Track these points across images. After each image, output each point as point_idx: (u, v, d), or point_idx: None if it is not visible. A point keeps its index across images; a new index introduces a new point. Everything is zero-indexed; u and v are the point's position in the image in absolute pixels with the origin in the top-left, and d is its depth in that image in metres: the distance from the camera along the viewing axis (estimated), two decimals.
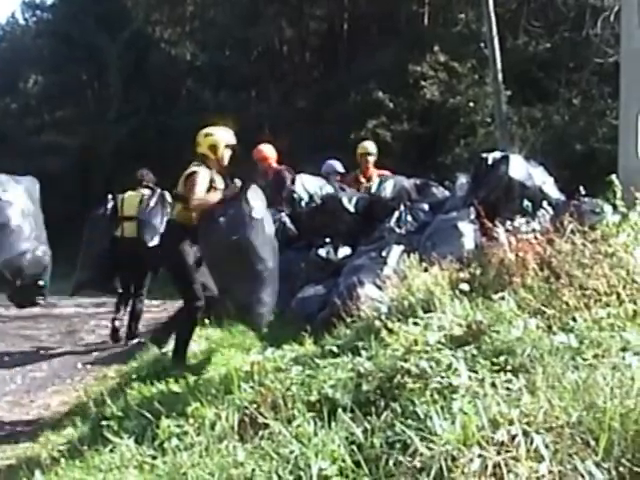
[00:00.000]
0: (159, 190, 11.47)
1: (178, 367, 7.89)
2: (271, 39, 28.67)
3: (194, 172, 8.03)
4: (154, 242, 10.78)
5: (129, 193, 11.55)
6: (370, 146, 12.61)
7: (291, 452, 3.85)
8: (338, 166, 12.61)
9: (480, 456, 3.22)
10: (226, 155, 8.36)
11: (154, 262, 11.14)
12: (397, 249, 8.40)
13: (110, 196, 11.62)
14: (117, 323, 11.50)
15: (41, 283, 8.60)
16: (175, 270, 8.34)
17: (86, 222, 11.59)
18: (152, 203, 11.22)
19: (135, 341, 11.28)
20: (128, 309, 11.55)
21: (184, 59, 30.12)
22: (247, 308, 7.46)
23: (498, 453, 3.23)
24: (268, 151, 12.13)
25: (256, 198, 7.60)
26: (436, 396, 3.94)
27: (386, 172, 12.08)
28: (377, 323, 5.62)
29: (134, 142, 28.13)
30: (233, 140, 8.45)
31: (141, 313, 11.62)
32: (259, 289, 7.38)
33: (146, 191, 11.46)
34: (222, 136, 8.43)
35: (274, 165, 12.00)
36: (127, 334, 11.50)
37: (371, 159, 12.25)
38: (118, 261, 11.13)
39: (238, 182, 7.95)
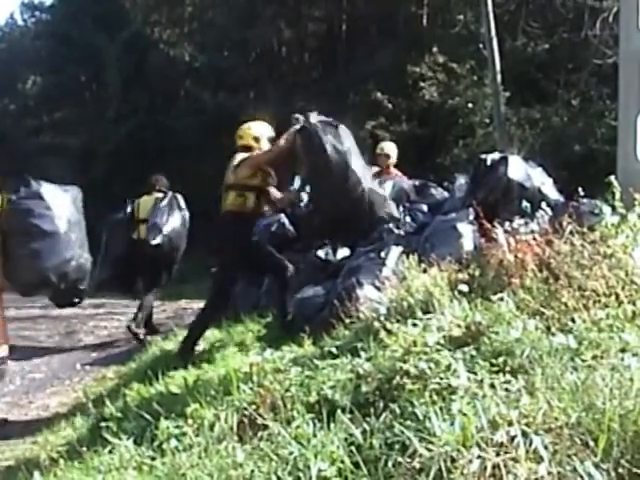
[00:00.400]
0: (171, 193, 12.00)
1: (182, 360, 8.00)
2: (269, 40, 28.66)
3: (246, 157, 8.43)
4: (156, 241, 11.05)
5: (144, 197, 12.09)
6: (386, 147, 12.61)
7: (290, 453, 3.85)
8: None
9: (479, 457, 3.22)
10: (267, 147, 8.66)
11: (165, 260, 11.43)
12: (396, 250, 8.38)
13: (129, 200, 12.23)
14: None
15: (81, 287, 9.33)
16: (220, 265, 8.70)
17: (105, 226, 11.86)
18: (162, 204, 11.64)
19: (142, 331, 11.36)
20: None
21: (183, 60, 30.13)
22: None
23: (497, 454, 3.23)
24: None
25: None
26: (435, 397, 3.93)
27: (400, 174, 12.14)
28: (376, 324, 5.61)
29: (133, 142, 28.18)
30: (272, 133, 8.85)
31: (149, 305, 11.79)
32: None
33: (160, 195, 11.77)
34: (263, 129, 8.84)
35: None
36: (131, 321, 11.68)
37: (386, 160, 12.27)
38: (137, 262, 11.49)
39: (297, 115, 8.53)
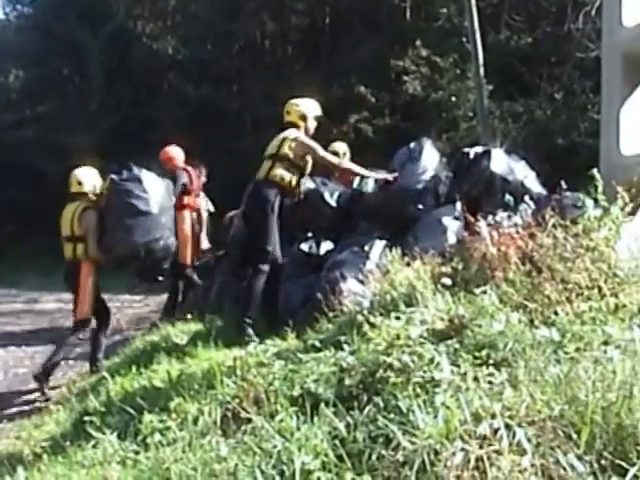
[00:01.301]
0: None
1: (247, 330, 8.08)
2: (252, 33, 28.55)
3: (298, 137, 8.56)
4: None
5: None
6: (337, 146, 12.64)
7: (274, 447, 3.86)
8: None
9: (463, 450, 3.23)
10: (312, 125, 8.86)
11: None
12: (379, 244, 8.40)
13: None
14: None
15: (164, 266, 10.22)
16: (257, 229, 8.51)
17: None
18: None
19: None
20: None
21: (166, 53, 29.98)
22: None
23: (480, 447, 3.24)
24: (174, 152, 12.26)
25: None
26: (418, 390, 3.94)
27: None
28: (359, 318, 5.61)
29: (116, 136, 28.06)
30: (320, 112, 8.98)
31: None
32: None
33: None
34: (311, 107, 8.93)
35: (179, 166, 12.10)
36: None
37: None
38: None
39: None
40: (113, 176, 9.79)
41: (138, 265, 9.96)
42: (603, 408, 3.35)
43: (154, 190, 9.74)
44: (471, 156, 9.24)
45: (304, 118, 8.75)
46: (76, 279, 9.64)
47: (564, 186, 7.66)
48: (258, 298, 8.34)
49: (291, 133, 8.58)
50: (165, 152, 12.20)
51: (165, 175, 11.62)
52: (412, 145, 9.56)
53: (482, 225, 7.11)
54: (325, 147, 12.19)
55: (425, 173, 9.09)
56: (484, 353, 4.30)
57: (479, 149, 9.53)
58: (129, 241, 9.45)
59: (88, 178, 10.12)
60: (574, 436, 3.28)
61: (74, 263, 9.73)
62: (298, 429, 4.02)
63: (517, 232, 6.41)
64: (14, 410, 8.49)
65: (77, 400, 7.21)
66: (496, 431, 3.29)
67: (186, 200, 11.57)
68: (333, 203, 10.02)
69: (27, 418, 7.91)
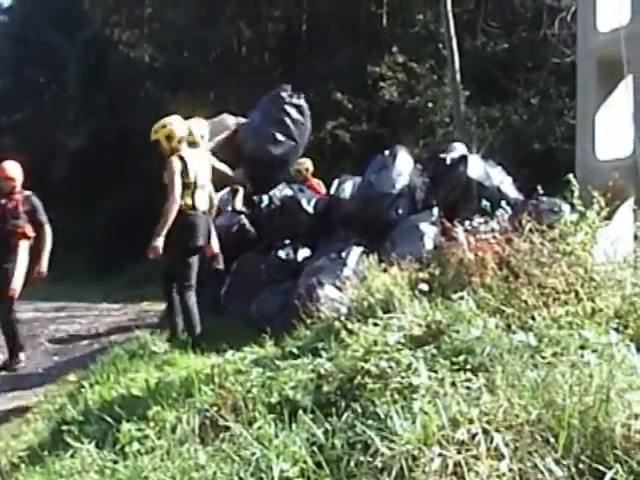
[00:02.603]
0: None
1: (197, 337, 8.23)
2: (229, 40, 28.56)
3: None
4: None
5: None
6: (300, 161, 12.77)
7: (252, 454, 3.85)
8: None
9: (441, 455, 3.23)
10: None
11: None
12: (356, 250, 8.41)
13: None
14: None
15: None
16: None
17: None
18: None
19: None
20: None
21: (143, 61, 29.96)
22: None
23: (458, 452, 3.24)
24: (14, 171, 10.27)
25: None
26: (396, 396, 3.94)
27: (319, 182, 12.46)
28: (337, 324, 5.62)
29: (93, 143, 28.02)
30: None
31: None
32: None
33: None
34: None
35: (19, 188, 10.21)
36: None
37: (303, 172, 12.52)
38: None
39: None
40: None
41: None
42: (580, 412, 3.36)
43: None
44: (448, 162, 9.26)
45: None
46: None
47: (541, 191, 7.69)
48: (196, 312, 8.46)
49: (207, 155, 8.92)
50: (2, 169, 10.21)
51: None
52: (386, 152, 9.58)
53: (459, 231, 7.12)
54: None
55: (399, 179, 9.10)
56: (461, 358, 4.30)
57: (456, 155, 9.56)
58: None
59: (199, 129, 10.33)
60: (552, 440, 3.29)
61: None
62: (276, 436, 4.02)
63: (494, 237, 6.43)
64: None
65: (55, 409, 7.16)
66: (474, 436, 3.29)
67: None
68: (310, 210, 10.02)
69: (4, 427, 7.84)
